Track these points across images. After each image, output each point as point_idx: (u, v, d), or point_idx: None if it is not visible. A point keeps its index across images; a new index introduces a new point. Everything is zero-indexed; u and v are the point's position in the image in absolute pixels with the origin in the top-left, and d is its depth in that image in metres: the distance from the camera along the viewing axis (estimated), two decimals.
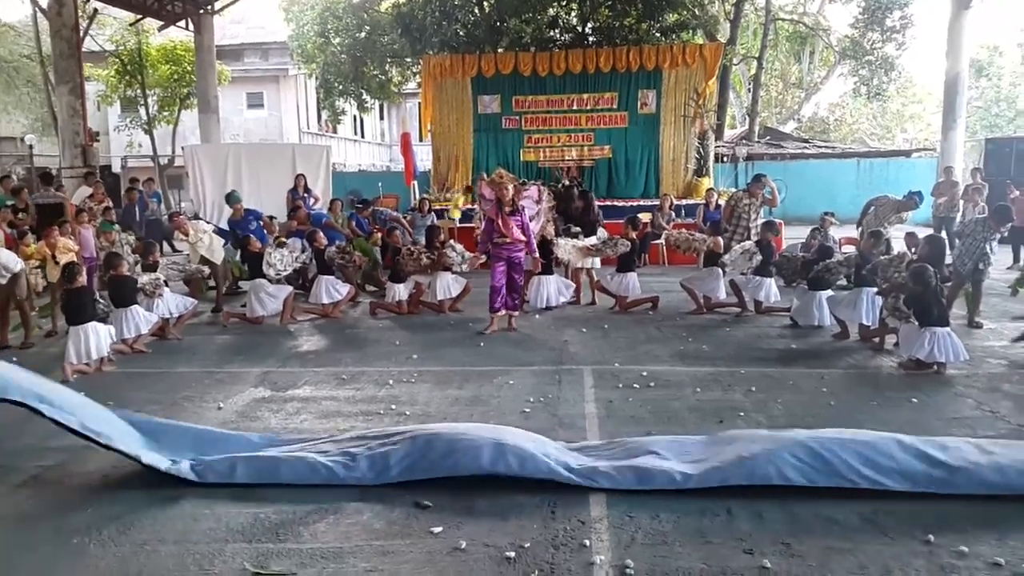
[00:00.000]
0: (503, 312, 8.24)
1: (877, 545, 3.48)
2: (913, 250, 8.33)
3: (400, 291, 9.35)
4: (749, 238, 9.33)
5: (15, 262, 7.96)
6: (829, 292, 8.16)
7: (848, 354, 7.15)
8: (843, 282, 8.43)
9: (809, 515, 3.76)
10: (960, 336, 7.47)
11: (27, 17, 25.15)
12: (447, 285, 9.25)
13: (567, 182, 13.63)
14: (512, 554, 3.44)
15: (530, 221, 8.47)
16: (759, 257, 8.67)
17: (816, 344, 7.54)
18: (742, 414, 5.39)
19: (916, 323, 6.49)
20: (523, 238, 8.19)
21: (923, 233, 10.80)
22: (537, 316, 9.11)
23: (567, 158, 16.52)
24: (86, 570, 3.43)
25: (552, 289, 9.21)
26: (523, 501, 3.97)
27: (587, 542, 3.54)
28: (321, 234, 9.58)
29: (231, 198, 10.60)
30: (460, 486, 4.11)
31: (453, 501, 3.98)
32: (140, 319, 7.60)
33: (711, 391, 6.00)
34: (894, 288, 6.90)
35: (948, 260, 7.79)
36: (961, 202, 13.40)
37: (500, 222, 8.09)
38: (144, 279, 7.85)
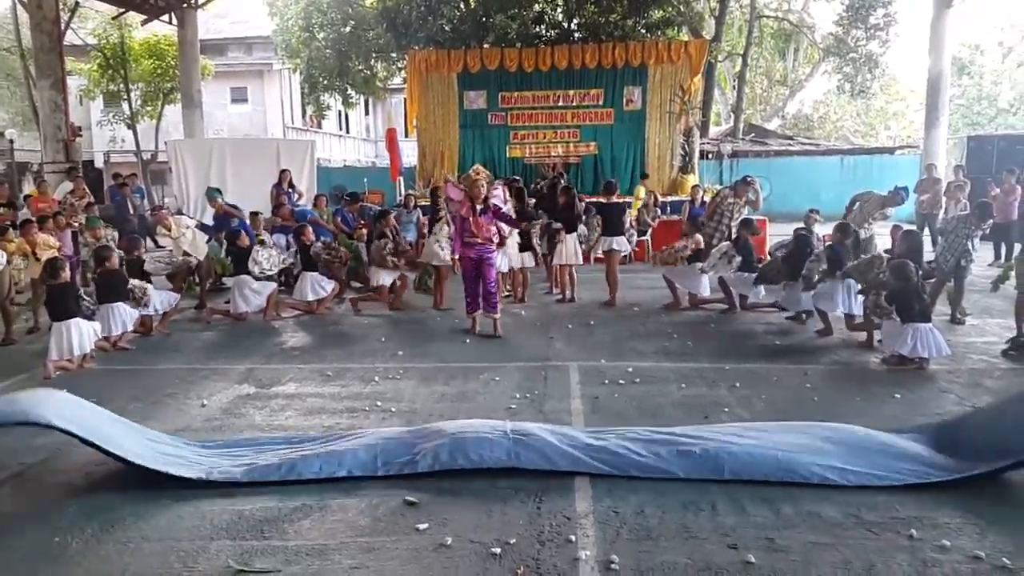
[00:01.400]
0: (480, 313, 8.04)
1: (860, 540, 3.50)
2: (891, 246, 8.35)
3: (383, 277, 9.33)
4: (729, 237, 9.35)
5: (1, 254, 7.90)
6: None
7: (832, 350, 7.20)
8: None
9: (793, 510, 3.79)
10: (943, 332, 7.55)
11: (6, 9, 24.90)
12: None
13: (549, 176, 13.64)
14: (498, 550, 3.44)
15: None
16: (738, 258, 8.73)
17: (800, 340, 7.58)
18: (726, 409, 5.42)
19: (898, 319, 6.54)
20: (494, 237, 8.00)
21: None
22: (523, 313, 9.12)
23: (553, 154, 16.52)
24: (69, 568, 3.41)
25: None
26: (509, 497, 3.97)
27: (572, 537, 3.55)
28: (309, 229, 9.53)
29: (210, 194, 10.54)
30: (446, 482, 4.12)
31: (439, 497, 3.98)
32: (126, 316, 7.55)
33: (696, 387, 6.03)
34: (874, 286, 6.95)
35: (930, 257, 7.85)
36: (944, 199, 13.51)
37: (472, 221, 7.84)
38: (134, 283, 7.77)
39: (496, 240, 8.08)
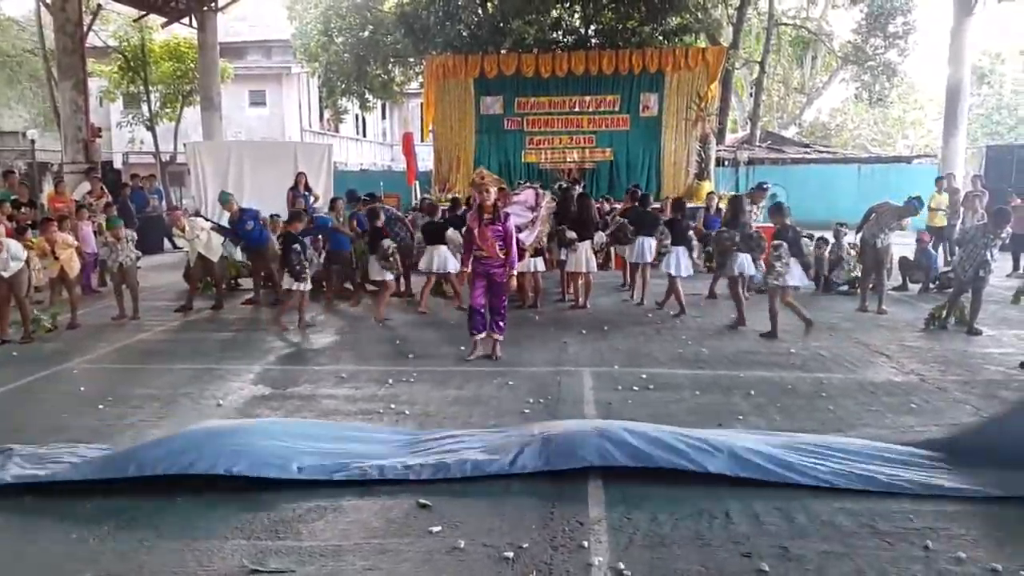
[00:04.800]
0: (484, 335, 7.22)
1: (874, 550, 3.49)
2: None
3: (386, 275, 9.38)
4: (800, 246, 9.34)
5: (23, 251, 8.03)
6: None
7: (847, 360, 7.15)
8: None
9: (807, 519, 3.77)
10: (959, 343, 7.54)
11: (31, 12, 25.17)
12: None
13: (564, 184, 13.65)
14: (510, 554, 3.45)
15: (519, 232, 7.49)
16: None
17: (815, 350, 7.55)
18: (741, 418, 5.41)
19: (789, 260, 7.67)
20: (501, 253, 6.97)
21: (927, 237, 10.95)
22: (536, 318, 9.13)
23: (568, 160, 16.54)
24: (86, 565, 3.44)
25: (446, 255, 9.44)
26: (522, 501, 3.98)
27: (585, 543, 3.55)
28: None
29: (223, 198, 10.45)
30: (458, 485, 4.14)
31: (452, 500, 3.99)
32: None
33: (710, 394, 6.01)
34: (754, 243, 8.32)
35: (947, 267, 7.85)
36: (961, 209, 13.42)
37: (477, 232, 6.95)
38: (387, 242, 8.92)
39: (504, 256, 7.02)
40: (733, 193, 8.30)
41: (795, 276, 7.80)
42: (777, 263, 7.76)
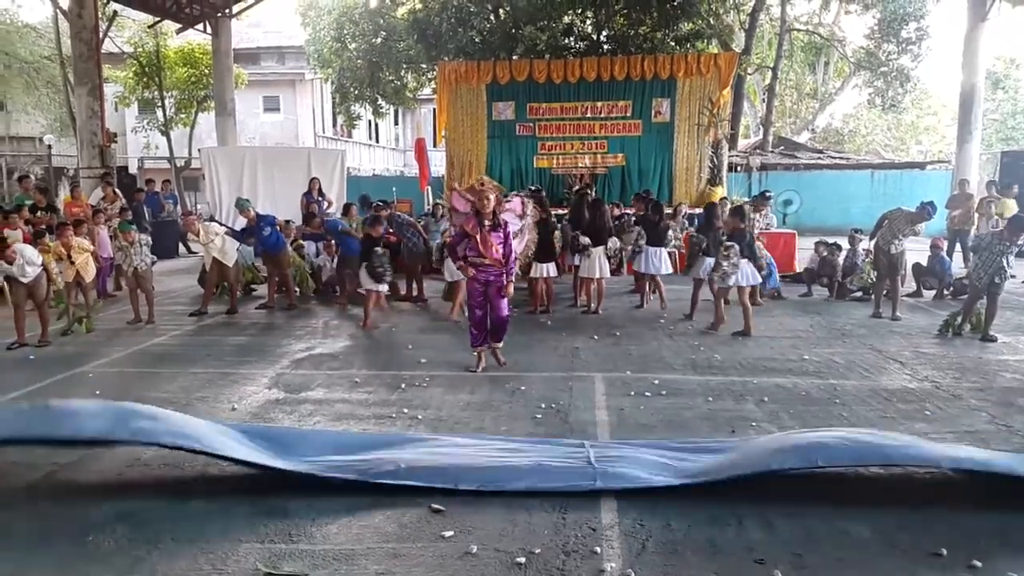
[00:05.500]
0: (487, 346, 7.07)
1: (889, 558, 3.47)
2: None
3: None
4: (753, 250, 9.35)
5: (39, 256, 8.11)
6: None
7: (861, 367, 7.12)
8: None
9: (821, 527, 3.76)
10: (974, 350, 7.49)
11: (48, 19, 25.45)
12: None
13: (577, 187, 13.65)
14: (522, 560, 3.45)
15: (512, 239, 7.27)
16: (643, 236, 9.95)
17: (828, 356, 7.52)
18: (754, 424, 5.39)
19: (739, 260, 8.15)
20: (502, 259, 6.77)
21: (941, 243, 10.88)
22: (548, 323, 9.14)
23: (580, 165, 16.53)
24: (101, 568, 3.46)
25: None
26: (534, 506, 3.98)
27: (598, 549, 3.55)
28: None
29: (240, 204, 10.43)
30: (472, 491, 4.14)
31: (464, 505, 4.00)
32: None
33: (723, 401, 6.00)
34: (715, 244, 8.61)
35: (963, 273, 7.81)
36: (976, 215, 13.33)
37: (479, 238, 6.70)
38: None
39: (503, 262, 6.79)
40: (709, 200, 8.81)
41: (743, 276, 8.30)
42: (725, 263, 8.22)
